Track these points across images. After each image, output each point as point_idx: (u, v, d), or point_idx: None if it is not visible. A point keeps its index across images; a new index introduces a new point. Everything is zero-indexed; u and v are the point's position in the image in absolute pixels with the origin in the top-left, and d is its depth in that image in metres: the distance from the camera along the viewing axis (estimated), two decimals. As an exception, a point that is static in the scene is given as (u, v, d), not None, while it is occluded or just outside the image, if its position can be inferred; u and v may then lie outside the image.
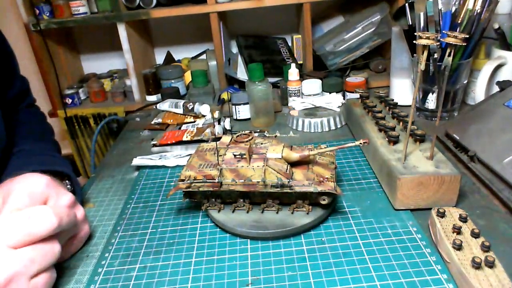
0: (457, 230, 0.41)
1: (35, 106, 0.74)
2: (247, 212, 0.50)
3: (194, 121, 0.83)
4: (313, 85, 0.84)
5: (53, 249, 0.39)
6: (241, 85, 1.04)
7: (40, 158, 0.57)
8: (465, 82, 0.74)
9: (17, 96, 0.68)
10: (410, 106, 0.52)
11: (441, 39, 0.50)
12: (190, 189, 0.50)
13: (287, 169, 0.49)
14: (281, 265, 0.43)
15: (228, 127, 0.79)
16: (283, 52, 1.14)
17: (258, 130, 0.79)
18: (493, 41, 0.77)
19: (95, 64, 1.37)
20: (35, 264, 0.37)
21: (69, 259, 0.47)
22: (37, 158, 0.56)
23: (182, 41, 1.29)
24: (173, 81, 1.06)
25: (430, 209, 0.46)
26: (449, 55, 0.48)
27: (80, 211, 0.47)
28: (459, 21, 0.68)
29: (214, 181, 0.49)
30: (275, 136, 0.57)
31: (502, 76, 0.73)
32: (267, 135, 0.58)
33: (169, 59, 1.24)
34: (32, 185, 0.42)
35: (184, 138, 0.73)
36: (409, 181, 0.48)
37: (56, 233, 0.39)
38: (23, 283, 0.36)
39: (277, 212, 0.50)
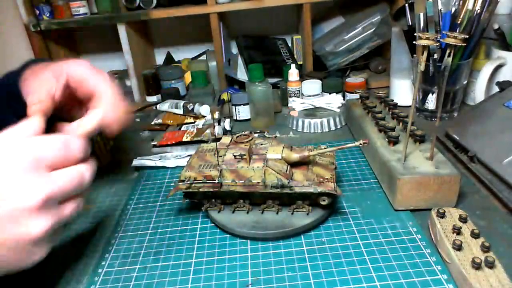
0: (457, 231, 0.41)
1: None
2: (247, 212, 0.50)
3: (194, 122, 0.83)
4: (313, 85, 0.84)
5: (84, 177, 0.37)
6: (241, 85, 1.04)
7: None
8: (465, 82, 0.74)
9: None
10: (410, 106, 0.52)
11: (441, 40, 0.50)
12: (190, 190, 0.50)
13: (287, 169, 0.49)
14: (281, 266, 0.43)
15: (228, 128, 0.79)
16: (283, 52, 1.14)
17: (258, 131, 0.79)
18: (493, 42, 0.77)
19: (95, 65, 1.35)
20: (66, 189, 0.36)
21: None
22: None
23: (182, 41, 1.29)
24: (173, 81, 1.06)
25: (430, 209, 0.46)
26: (448, 56, 0.48)
27: None
28: (459, 22, 0.69)
29: (214, 181, 0.49)
30: (275, 137, 0.57)
31: (502, 76, 0.73)
32: (267, 135, 0.58)
33: (169, 59, 1.24)
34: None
35: (184, 139, 0.73)
36: (409, 182, 0.48)
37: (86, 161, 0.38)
38: (54, 207, 0.35)
39: (277, 213, 0.50)
